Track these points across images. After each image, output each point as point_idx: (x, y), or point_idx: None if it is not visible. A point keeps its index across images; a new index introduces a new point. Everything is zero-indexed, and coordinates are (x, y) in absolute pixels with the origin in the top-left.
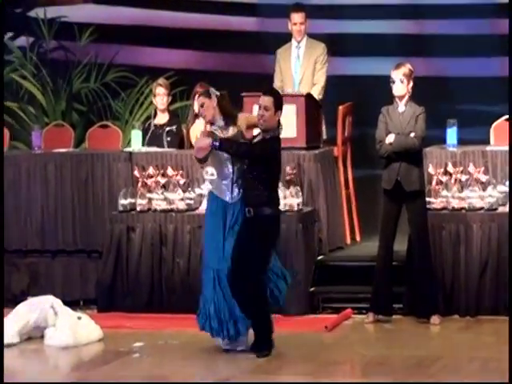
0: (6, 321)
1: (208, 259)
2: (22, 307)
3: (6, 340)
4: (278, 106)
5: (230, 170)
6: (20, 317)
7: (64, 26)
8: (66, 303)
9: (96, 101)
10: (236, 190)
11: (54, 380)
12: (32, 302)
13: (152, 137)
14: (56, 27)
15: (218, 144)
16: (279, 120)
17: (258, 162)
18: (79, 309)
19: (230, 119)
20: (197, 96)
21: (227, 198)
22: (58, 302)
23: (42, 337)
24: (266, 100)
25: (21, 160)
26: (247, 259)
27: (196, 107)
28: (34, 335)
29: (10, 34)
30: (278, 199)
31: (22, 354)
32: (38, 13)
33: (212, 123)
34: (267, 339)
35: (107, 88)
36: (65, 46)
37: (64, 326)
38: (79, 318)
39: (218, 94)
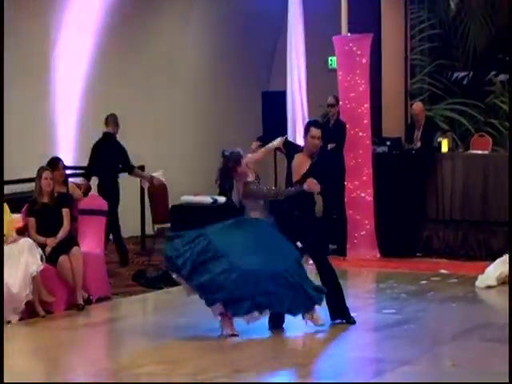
0: (488, 269)
1: None
2: (499, 260)
3: (487, 283)
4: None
5: None
6: (498, 267)
7: None
8: None
9: None
10: None
11: None
12: (507, 257)
13: None
14: None
15: None
16: None
17: None
18: None
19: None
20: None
21: None
22: None
23: None
24: (319, 132)
25: (500, 159)
26: None
27: None
28: (507, 281)
29: (493, 72)
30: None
31: (499, 293)
32: None
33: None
34: None
35: None
36: None
37: None
38: None
39: None
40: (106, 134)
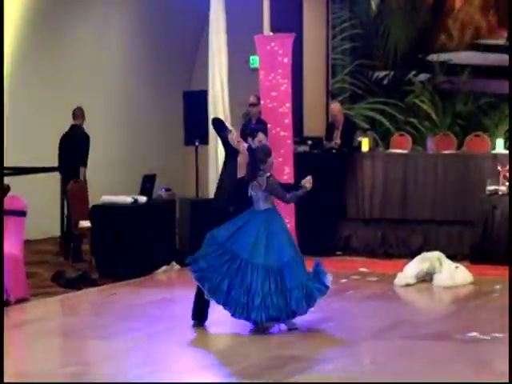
0: (407, 267)
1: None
2: (417, 258)
3: (406, 281)
4: None
5: None
6: (416, 265)
7: (450, 66)
8: (448, 257)
9: (471, 118)
10: None
11: (436, 310)
12: (425, 255)
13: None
14: (445, 67)
15: None
16: None
17: None
18: (457, 261)
19: None
20: None
21: None
22: (442, 256)
23: (431, 280)
24: (266, 138)
25: (419, 158)
26: None
27: None
28: (426, 278)
29: (413, 72)
30: None
31: (418, 291)
32: (433, 58)
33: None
34: None
35: (480, 109)
36: (451, 80)
37: (446, 273)
38: (456, 267)
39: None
40: (73, 126)
